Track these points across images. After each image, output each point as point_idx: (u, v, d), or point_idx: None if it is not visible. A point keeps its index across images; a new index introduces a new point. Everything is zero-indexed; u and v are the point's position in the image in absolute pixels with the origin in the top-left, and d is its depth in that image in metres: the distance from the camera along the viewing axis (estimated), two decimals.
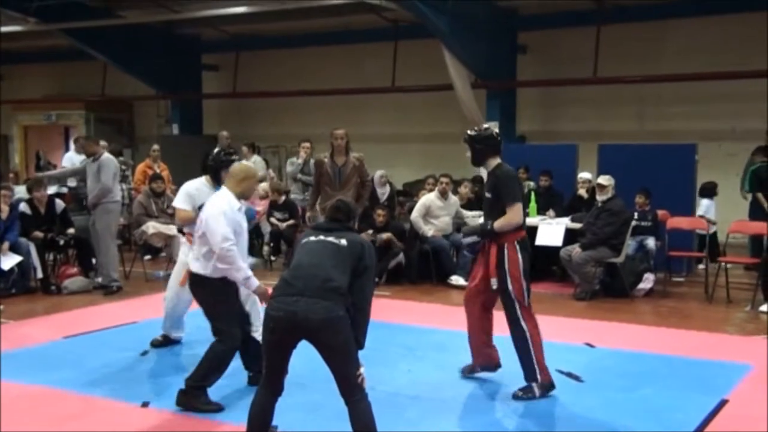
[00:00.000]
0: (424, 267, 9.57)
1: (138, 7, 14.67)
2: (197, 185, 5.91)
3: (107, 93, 17.97)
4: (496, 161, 5.39)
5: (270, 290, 4.73)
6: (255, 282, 4.94)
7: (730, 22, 12.41)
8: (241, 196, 5.07)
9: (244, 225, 5.10)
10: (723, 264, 8.67)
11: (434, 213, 9.64)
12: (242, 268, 4.89)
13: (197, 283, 5.07)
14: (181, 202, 5.91)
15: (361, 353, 6.21)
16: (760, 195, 9.92)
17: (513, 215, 5.15)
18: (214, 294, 5.01)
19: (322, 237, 4.04)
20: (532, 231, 9.22)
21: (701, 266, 9.58)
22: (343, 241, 3.99)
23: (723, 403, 5.10)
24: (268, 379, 4.02)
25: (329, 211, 4.28)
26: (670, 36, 13.09)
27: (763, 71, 11.83)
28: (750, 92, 12.39)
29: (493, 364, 5.58)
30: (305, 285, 3.83)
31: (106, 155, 9.13)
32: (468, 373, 5.65)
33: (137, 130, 19.02)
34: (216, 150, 6.23)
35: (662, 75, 12.76)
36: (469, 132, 5.52)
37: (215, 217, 4.84)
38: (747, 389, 5.46)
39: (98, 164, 8.88)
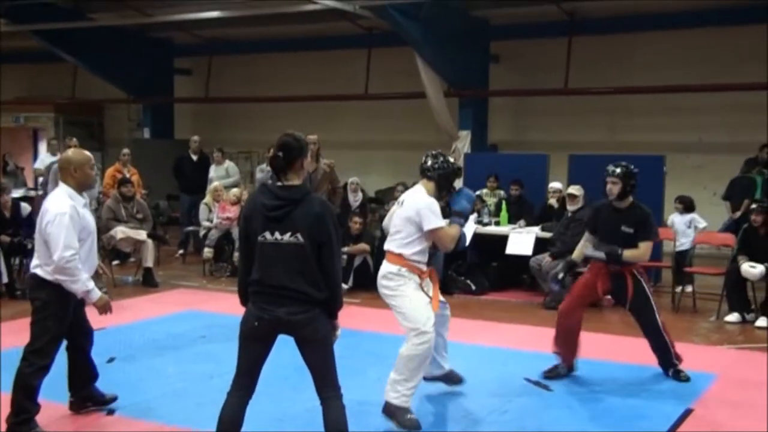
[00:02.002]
0: None
1: (110, 10, 14.55)
2: None
3: (77, 96, 17.78)
4: (630, 199, 5.88)
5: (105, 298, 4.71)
6: (94, 296, 4.60)
7: (698, 36, 12.62)
8: (82, 187, 4.63)
9: (92, 224, 4.68)
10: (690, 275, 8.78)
11: None
12: (82, 279, 4.49)
13: (37, 287, 4.59)
14: None
15: None
16: (727, 203, 10.09)
17: (646, 252, 5.78)
18: (50, 304, 4.55)
19: (274, 236, 3.71)
20: (503, 240, 9.28)
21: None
22: (299, 237, 3.69)
23: (688, 411, 5.17)
24: (242, 380, 3.96)
25: (271, 164, 3.92)
26: (640, 49, 13.26)
27: (728, 85, 12.05)
28: (716, 105, 12.62)
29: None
30: (278, 294, 3.76)
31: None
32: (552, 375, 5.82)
33: (107, 134, 18.84)
34: None
35: (632, 87, 12.93)
36: (620, 168, 5.84)
37: (57, 221, 4.40)
38: (711, 398, 5.54)
39: None
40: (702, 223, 9.35)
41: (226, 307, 8.40)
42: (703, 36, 12.58)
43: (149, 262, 9.59)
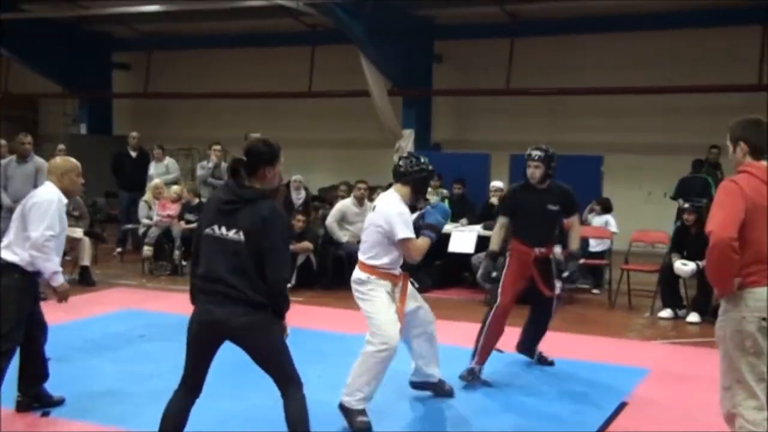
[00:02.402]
0: (338, 273, 9.57)
1: (44, 1, 14.18)
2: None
3: (10, 90, 17.26)
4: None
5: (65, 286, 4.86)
6: (60, 279, 4.81)
7: (636, 40, 12.94)
8: (65, 191, 4.83)
9: (65, 223, 4.87)
10: (626, 272, 8.99)
11: (350, 219, 9.66)
12: (54, 260, 4.73)
13: (2, 272, 4.68)
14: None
15: None
16: (681, 201, 10.36)
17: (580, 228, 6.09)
18: (13, 290, 4.65)
19: (220, 231, 3.67)
20: (445, 238, 9.36)
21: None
22: (241, 235, 3.63)
23: (623, 405, 5.30)
24: (188, 380, 3.90)
25: (230, 167, 3.87)
26: (580, 51, 13.52)
27: (665, 87, 12.38)
28: (653, 107, 12.95)
29: None
30: (218, 291, 3.66)
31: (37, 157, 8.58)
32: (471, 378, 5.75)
33: (42, 129, 18.35)
34: None
35: (571, 88, 13.17)
36: (541, 151, 5.72)
37: (46, 205, 4.65)
38: (645, 391, 5.68)
39: (36, 166, 8.17)
40: (614, 228, 9.61)
41: (165, 306, 8.29)
42: (640, 39, 12.90)
43: (86, 261, 9.39)
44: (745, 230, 3.53)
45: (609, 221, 9.62)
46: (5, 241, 4.74)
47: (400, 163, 5.02)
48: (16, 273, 4.65)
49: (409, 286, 5.12)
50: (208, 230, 3.72)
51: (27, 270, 4.68)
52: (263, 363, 3.81)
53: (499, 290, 5.72)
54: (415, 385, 5.37)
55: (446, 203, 10.13)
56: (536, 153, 5.72)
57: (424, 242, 4.87)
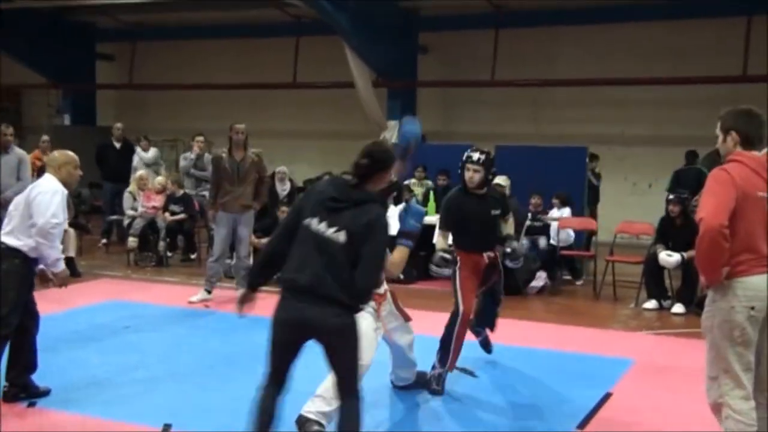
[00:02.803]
0: None
1: None
2: None
3: None
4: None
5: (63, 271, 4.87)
6: (62, 265, 4.88)
7: (621, 31, 12.98)
8: (63, 183, 4.90)
9: (66, 213, 4.94)
10: (611, 263, 9.04)
11: None
12: (58, 247, 4.80)
13: (2, 256, 4.75)
14: None
15: (259, 352, 6.19)
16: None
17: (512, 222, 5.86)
18: (13, 274, 4.72)
19: (321, 227, 3.52)
20: (430, 230, 9.36)
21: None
22: (342, 237, 3.49)
23: (607, 396, 5.33)
24: (275, 377, 3.75)
25: (354, 169, 3.69)
26: (565, 42, 13.56)
27: (650, 78, 12.43)
28: (638, 99, 13.01)
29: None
30: (310, 289, 3.49)
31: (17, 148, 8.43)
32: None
33: (25, 120, 18.19)
34: None
35: (557, 79, 13.21)
36: (482, 154, 5.44)
37: (51, 194, 4.75)
38: (629, 382, 5.72)
39: (18, 157, 7.86)
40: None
41: (150, 297, 8.26)
42: (625, 31, 12.94)
43: (71, 252, 9.32)
44: (735, 219, 3.54)
45: (568, 214, 9.66)
46: (7, 227, 4.82)
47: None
48: (17, 258, 4.74)
49: (389, 305, 4.98)
50: (306, 221, 3.56)
51: (28, 256, 4.77)
52: (340, 366, 3.65)
53: (460, 299, 5.45)
54: (395, 386, 5.32)
55: (431, 195, 10.17)
56: (476, 156, 5.39)
57: (401, 254, 4.23)
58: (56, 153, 5.12)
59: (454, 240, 5.55)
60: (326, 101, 15.17)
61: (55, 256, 4.81)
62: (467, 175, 5.41)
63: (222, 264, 8.17)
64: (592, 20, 13.01)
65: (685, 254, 8.05)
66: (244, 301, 3.92)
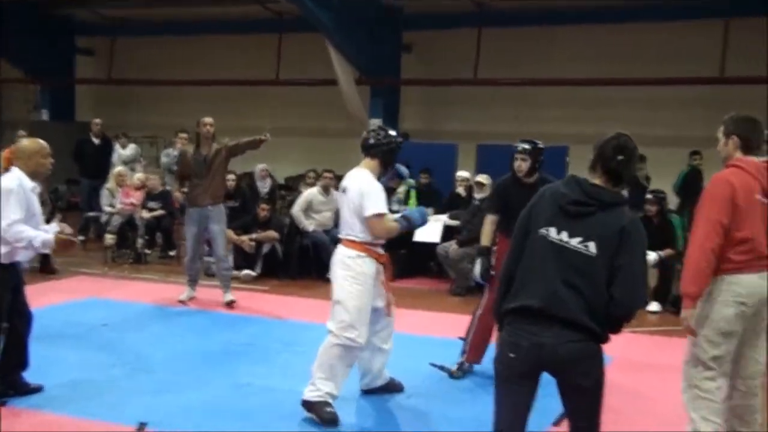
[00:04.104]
0: (304, 262, 9.55)
1: None
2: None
3: None
4: (536, 174, 5.65)
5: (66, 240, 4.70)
6: (50, 241, 4.63)
7: (603, 32, 13.02)
8: (34, 175, 4.75)
9: (38, 208, 4.79)
10: None
11: (316, 208, 9.62)
12: (32, 237, 4.56)
13: None
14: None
15: (238, 351, 6.19)
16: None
17: None
18: None
19: (560, 236, 3.01)
20: (410, 230, 9.38)
21: None
22: (591, 247, 2.96)
23: None
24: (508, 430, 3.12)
25: (604, 164, 3.09)
26: (547, 42, 13.59)
27: (631, 79, 12.50)
28: (619, 99, 13.08)
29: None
30: (547, 310, 2.96)
31: None
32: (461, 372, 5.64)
33: (3, 115, 17.94)
34: None
35: (538, 79, 13.24)
36: (529, 144, 5.64)
37: (5, 195, 4.54)
38: (607, 379, 5.72)
39: None
40: None
41: (128, 294, 8.20)
42: (606, 32, 12.99)
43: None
44: (736, 222, 3.78)
45: None
46: None
47: (369, 135, 4.95)
48: None
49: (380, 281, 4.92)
50: (542, 231, 3.04)
51: (3, 263, 4.61)
52: (579, 403, 3.11)
53: (487, 286, 5.57)
54: (366, 391, 5.26)
55: (413, 193, 10.17)
56: (523, 146, 5.61)
57: (394, 224, 4.80)
58: (25, 141, 4.96)
59: (499, 225, 5.68)
60: (309, 99, 15.12)
61: (36, 244, 4.61)
62: (516, 164, 5.62)
63: (197, 261, 7.97)
64: (575, 21, 13.06)
65: (662, 253, 8.12)
66: None
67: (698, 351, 3.91)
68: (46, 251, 4.84)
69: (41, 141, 4.93)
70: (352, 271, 4.74)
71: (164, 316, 7.31)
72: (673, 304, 8.09)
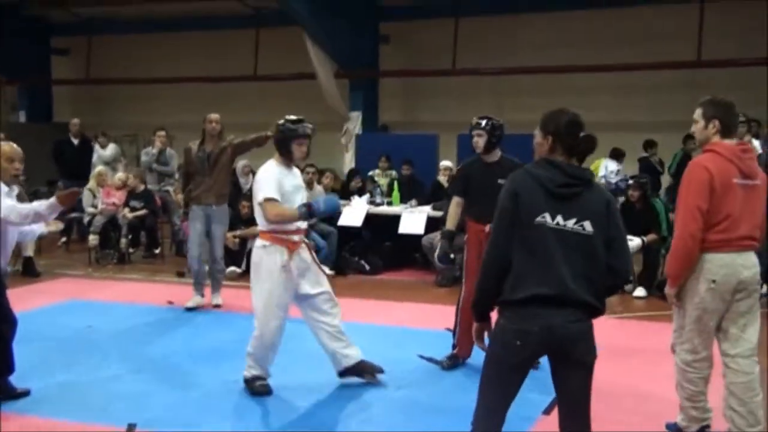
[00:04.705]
0: None
1: None
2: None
3: None
4: (499, 152, 5.60)
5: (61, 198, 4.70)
6: (53, 203, 4.68)
7: (582, 18, 13.08)
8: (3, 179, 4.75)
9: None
10: None
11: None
12: (34, 207, 4.68)
13: None
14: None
15: (226, 347, 6.16)
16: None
17: None
18: None
19: (556, 221, 3.00)
20: (395, 219, 9.39)
21: None
22: (587, 226, 3.00)
23: None
24: (493, 418, 3.14)
25: (570, 142, 3.12)
26: (525, 30, 13.62)
27: (610, 65, 12.55)
28: (598, 85, 13.13)
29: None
30: (562, 296, 2.98)
31: None
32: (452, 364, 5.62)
33: None
34: None
35: (517, 67, 13.27)
36: (486, 120, 5.59)
37: None
38: (595, 365, 5.77)
39: None
40: None
41: (112, 295, 8.15)
42: (586, 18, 13.04)
43: (29, 251, 9.16)
44: (716, 205, 3.93)
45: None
46: None
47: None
48: None
49: (314, 267, 5.05)
50: (539, 219, 3.00)
51: None
52: (580, 380, 3.13)
53: (463, 277, 5.59)
54: (340, 374, 5.27)
55: (395, 185, 10.17)
56: (478, 121, 5.60)
57: (289, 210, 4.83)
58: None
59: (464, 208, 5.65)
60: (288, 93, 15.04)
61: (42, 212, 4.68)
62: (473, 140, 5.58)
63: (202, 264, 7.63)
64: (552, 8, 13.09)
65: (645, 238, 8.16)
66: (482, 335, 3.28)
67: (681, 322, 4.16)
68: (54, 215, 4.83)
69: (9, 145, 4.91)
70: (256, 266, 4.92)
71: (149, 315, 7.26)
72: (659, 289, 8.12)
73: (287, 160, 5.07)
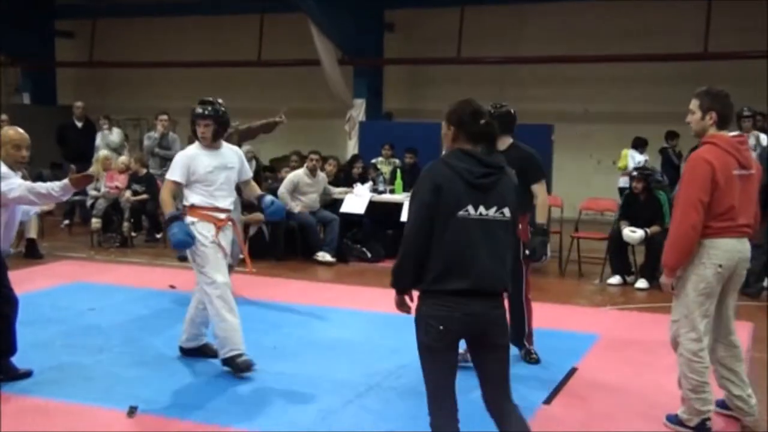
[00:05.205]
0: (290, 243, 9.54)
1: None
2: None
3: None
4: (509, 140, 5.31)
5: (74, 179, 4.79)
6: (66, 184, 4.77)
7: (586, 9, 13.01)
8: (6, 163, 4.79)
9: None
10: (576, 239, 9.12)
11: (302, 190, 9.60)
12: (47, 187, 4.79)
13: None
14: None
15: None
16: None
17: (545, 194, 5.27)
18: None
19: (478, 211, 3.08)
20: (398, 207, 9.38)
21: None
22: (507, 212, 3.13)
23: (573, 370, 5.40)
24: (445, 404, 3.25)
25: (479, 132, 3.18)
26: (530, 20, 13.57)
27: (614, 56, 12.50)
28: (602, 77, 13.09)
29: None
30: (483, 289, 3.11)
31: None
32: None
33: None
34: None
35: (522, 57, 13.23)
36: (497, 106, 5.34)
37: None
38: (595, 357, 5.80)
39: None
40: None
41: (114, 278, 8.17)
42: (590, 9, 12.98)
43: (32, 233, 9.18)
44: (716, 196, 4.01)
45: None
46: None
47: None
48: None
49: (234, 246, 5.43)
50: (462, 213, 3.06)
51: None
52: (499, 361, 3.26)
53: None
54: (183, 352, 5.49)
55: (398, 173, 10.16)
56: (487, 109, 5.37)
57: (168, 203, 5.04)
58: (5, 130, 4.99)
59: None
60: (292, 79, 15.03)
61: (56, 193, 4.76)
62: None
63: None
64: None
65: (648, 230, 8.16)
66: (404, 302, 3.43)
67: (684, 310, 4.18)
68: (67, 196, 4.92)
69: (14, 130, 4.93)
70: (197, 236, 5.07)
71: (151, 299, 7.28)
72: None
73: (199, 140, 5.25)
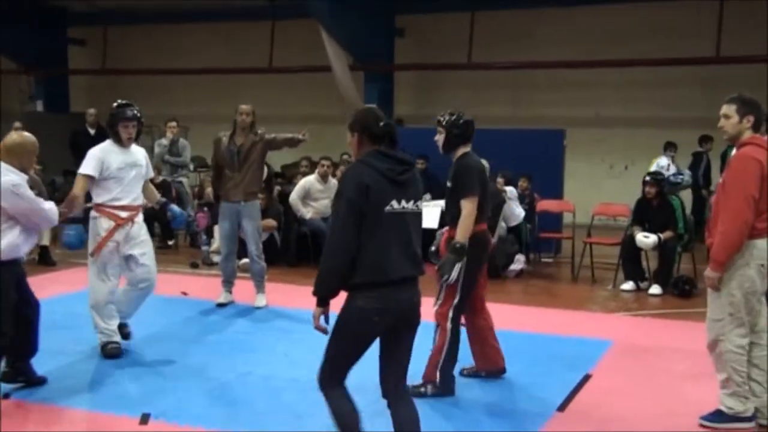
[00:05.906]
0: (302, 249, 9.54)
1: None
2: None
3: None
4: (464, 150, 5.08)
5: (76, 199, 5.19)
6: (54, 218, 4.90)
7: (598, 12, 12.99)
8: (21, 168, 4.68)
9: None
10: (588, 245, 9.08)
11: (314, 196, 9.60)
12: (41, 208, 4.79)
13: None
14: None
15: (238, 339, 6.19)
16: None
17: (468, 210, 4.79)
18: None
19: (401, 205, 3.37)
20: None
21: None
22: (421, 204, 3.51)
23: (587, 377, 5.36)
24: (343, 373, 3.57)
25: (386, 130, 3.47)
26: (542, 24, 13.54)
27: (627, 60, 12.47)
28: (614, 81, 13.05)
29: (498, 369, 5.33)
30: (405, 273, 3.39)
31: None
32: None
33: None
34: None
35: (533, 62, 13.21)
36: (443, 117, 5.14)
37: (12, 194, 4.53)
38: (608, 363, 5.76)
39: None
40: (513, 199, 9.48)
41: None
42: (601, 13, 12.96)
43: (45, 240, 9.22)
44: (764, 195, 4.19)
45: (512, 192, 9.61)
46: None
47: None
48: None
49: (142, 232, 5.68)
50: (388, 208, 3.33)
51: (3, 260, 4.56)
52: (406, 346, 3.54)
53: (444, 289, 5.37)
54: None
55: None
56: (438, 118, 5.17)
57: (78, 195, 5.45)
58: (10, 135, 4.91)
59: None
60: (303, 85, 15.06)
61: (51, 216, 4.81)
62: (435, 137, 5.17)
63: (232, 261, 7.38)
64: (569, 3, 13.01)
65: (661, 235, 8.11)
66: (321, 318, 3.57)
67: (730, 309, 4.31)
68: (55, 222, 5.04)
69: (23, 135, 4.88)
70: (92, 233, 5.57)
71: (163, 306, 7.28)
72: (674, 287, 8.09)
73: (116, 140, 5.65)
